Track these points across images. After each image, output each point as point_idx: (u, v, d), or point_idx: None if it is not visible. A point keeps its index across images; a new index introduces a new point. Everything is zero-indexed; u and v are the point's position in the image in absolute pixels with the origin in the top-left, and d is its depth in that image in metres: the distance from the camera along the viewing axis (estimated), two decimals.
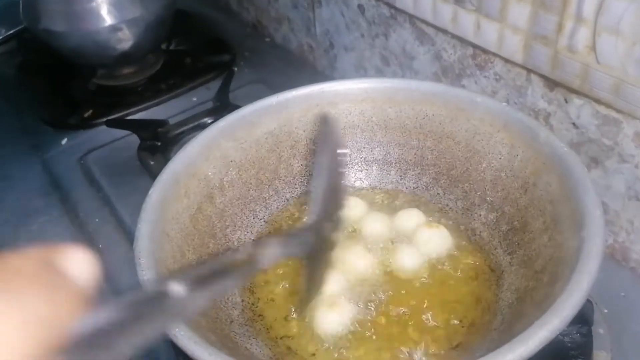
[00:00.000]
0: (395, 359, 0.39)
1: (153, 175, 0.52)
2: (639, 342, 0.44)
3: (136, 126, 0.72)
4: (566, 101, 0.49)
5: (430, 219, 0.49)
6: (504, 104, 0.47)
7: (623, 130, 0.45)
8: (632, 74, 0.42)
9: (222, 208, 0.47)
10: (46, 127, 0.78)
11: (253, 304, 0.44)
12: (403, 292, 0.44)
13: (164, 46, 0.90)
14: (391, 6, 0.64)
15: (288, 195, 0.52)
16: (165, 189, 0.43)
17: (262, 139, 0.50)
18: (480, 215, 0.48)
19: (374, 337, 0.41)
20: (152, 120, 0.73)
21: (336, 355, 0.40)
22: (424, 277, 0.44)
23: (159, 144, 0.69)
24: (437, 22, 0.58)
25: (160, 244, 0.39)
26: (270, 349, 0.41)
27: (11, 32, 0.92)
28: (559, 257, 0.37)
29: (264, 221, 0.51)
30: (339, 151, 0.35)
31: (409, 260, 0.45)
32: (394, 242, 0.47)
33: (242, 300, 0.44)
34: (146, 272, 0.36)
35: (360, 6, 0.70)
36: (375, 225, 0.49)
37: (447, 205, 0.50)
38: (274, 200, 0.52)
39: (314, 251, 0.31)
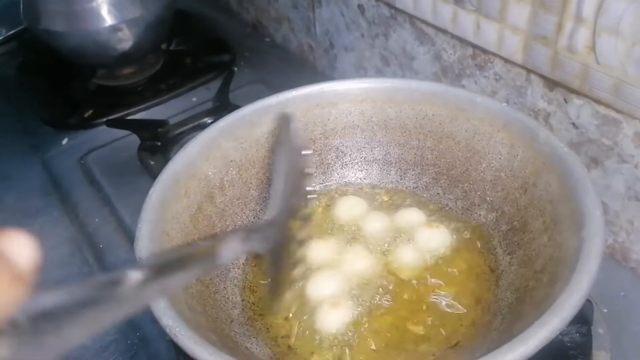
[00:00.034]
0: (396, 359, 0.40)
1: (153, 175, 0.52)
2: (638, 342, 0.44)
3: (136, 126, 0.72)
4: (566, 101, 0.49)
5: (431, 218, 0.49)
6: (504, 104, 0.47)
7: (623, 130, 0.45)
8: (631, 74, 0.42)
9: (223, 208, 0.47)
10: (46, 127, 0.78)
11: (253, 304, 0.44)
12: (403, 291, 0.44)
13: (164, 46, 0.90)
14: (391, 6, 0.64)
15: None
16: (166, 189, 0.43)
17: (262, 139, 0.50)
18: (480, 215, 0.48)
19: (374, 337, 0.41)
20: (152, 120, 0.73)
21: (336, 355, 0.40)
22: (424, 277, 0.44)
23: (159, 144, 0.69)
24: (437, 22, 0.58)
25: (161, 244, 0.39)
26: (270, 348, 0.41)
27: (11, 32, 0.92)
28: (559, 257, 0.37)
29: (264, 221, 0.51)
30: (302, 151, 0.35)
31: (408, 260, 0.45)
32: (394, 242, 0.47)
33: (243, 300, 0.44)
34: None
35: (360, 6, 0.70)
36: (375, 224, 0.49)
37: (447, 205, 0.50)
38: None
39: (277, 247, 0.31)
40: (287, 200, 0.32)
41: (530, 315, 0.34)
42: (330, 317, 0.42)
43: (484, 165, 0.47)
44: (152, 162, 0.66)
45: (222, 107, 0.72)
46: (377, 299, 0.43)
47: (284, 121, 0.36)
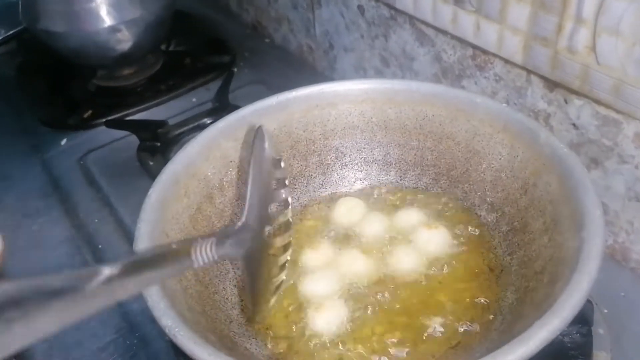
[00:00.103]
0: (396, 359, 0.40)
1: (152, 175, 0.51)
2: (639, 343, 0.44)
3: (136, 127, 0.72)
4: (566, 102, 0.49)
5: (431, 217, 0.49)
6: (504, 104, 0.47)
7: (623, 130, 0.45)
8: (632, 75, 0.42)
9: (222, 208, 0.47)
10: (46, 127, 0.78)
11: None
12: (402, 292, 0.44)
13: (163, 47, 0.90)
14: (391, 7, 0.64)
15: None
16: (165, 189, 0.42)
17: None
18: (480, 215, 0.48)
19: (374, 337, 0.41)
20: (152, 120, 0.73)
21: (336, 355, 0.40)
22: (424, 277, 0.44)
23: (158, 144, 0.69)
24: (437, 23, 0.58)
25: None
26: (270, 348, 0.41)
27: (11, 32, 0.92)
28: (559, 258, 0.36)
29: None
30: (276, 163, 0.35)
31: (408, 261, 0.45)
32: (393, 243, 0.47)
33: (242, 300, 0.44)
34: None
35: (360, 7, 0.70)
36: (374, 225, 0.49)
37: (447, 205, 0.50)
38: None
39: (252, 253, 0.31)
40: (259, 208, 0.32)
41: (530, 315, 0.34)
42: (329, 317, 0.41)
43: (484, 166, 0.47)
44: (151, 163, 0.66)
45: (222, 107, 0.72)
46: (377, 299, 0.43)
47: (256, 133, 0.36)
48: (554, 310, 0.30)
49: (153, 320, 0.33)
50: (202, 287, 0.41)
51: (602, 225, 0.35)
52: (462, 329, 0.41)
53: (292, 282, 0.45)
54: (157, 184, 0.42)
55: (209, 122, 0.68)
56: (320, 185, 0.54)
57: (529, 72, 0.51)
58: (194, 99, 0.80)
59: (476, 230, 0.47)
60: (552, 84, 0.49)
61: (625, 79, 0.42)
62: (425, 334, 0.41)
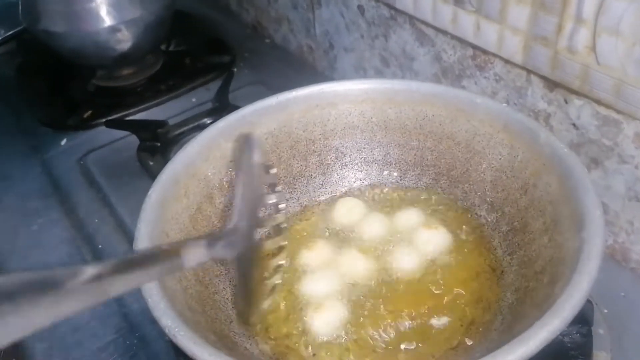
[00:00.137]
0: (395, 359, 0.40)
1: (152, 175, 0.51)
2: (639, 343, 0.44)
3: (136, 127, 0.72)
4: (566, 102, 0.49)
5: (431, 217, 0.49)
6: (504, 104, 0.47)
7: (623, 131, 0.45)
8: (632, 75, 0.42)
9: (222, 208, 0.47)
10: (45, 127, 0.78)
11: None
12: (402, 292, 0.44)
13: (163, 47, 0.90)
14: (391, 7, 0.64)
15: (287, 196, 0.52)
16: (165, 189, 0.42)
17: (262, 140, 0.50)
18: (480, 215, 0.48)
19: (374, 337, 0.41)
20: (152, 120, 0.73)
21: (336, 355, 0.40)
22: (423, 278, 0.44)
23: (158, 144, 0.69)
24: (437, 23, 0.58)
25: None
26: (270, 348, 0.41)
27: (10, 32, 0.92)
28: (559, 258, 0.36)
29: None
30: (266, 169, 0.36)
31: (408, 261, 0.45)
32: (394, 243, 0.47)
33: (235, 301, 0.44)
34: None
35: (360, 7, 0.70)
36: (374, 225, 0.49)
37: (447, 205, 0.50)
38: None
39: (243, 255, 0.31)
40: (249, 212, 0.33)
41: (530, 315, 0.34)
42: (330, 317, 0.42)
43: (484, 166, 0.47)
44: (151, 163, 0.66)
45: (222, 107, 0.72)
46: (376, 300, 0.43)
47: (246, 140, 0.37)
48: (554, 311, 0.30)
49: (153, 321, 0.33)
50: (202, 287, 0.41)
51: (602, 225, 0.35)
52: (462, 329, 0.41)
53: (291, 283, 0.45)
54: (157, 184, 0.42)
55: (209, 122, 0.68)
56: (320, 185, 0.54)
57: (529, 72, 0.51)
58: (194, 99, 0.80)
59: (476, 230, 0.47)
60: (552, 84, 0.49)
61: (626, 79, 0.42)
62: (425, 334, 0.41)
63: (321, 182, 0.54)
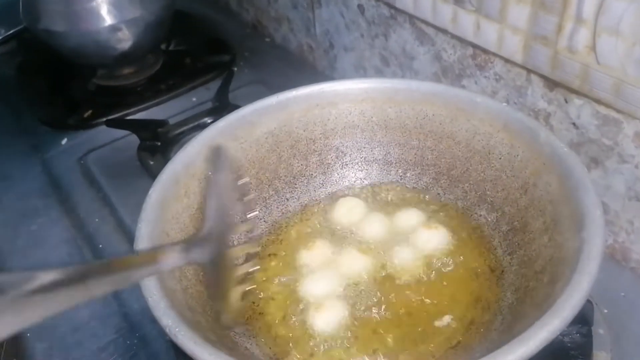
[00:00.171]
0: (396, 359, 0.39)
1: (153, 175, 0.51)
2: (639, 343, 0.44)
3: (136, 126, 0.72)
4: (566, 101, 0.49)
5: (431, 217, 0.49)
6: (504, 104, 0.47)
7: (623, 130, 0.45)
8: (632, 74, 0.42)
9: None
10: (46, 127, 0.78)
11: (253, 303, 0.44)
12: (402, 292, 0.44)
13: (163, 46, 0.90)
14: (391, 6, 0.64)
15: (288, 195, 0.52)
16: (165, 189, 0.42)
17: (262, 139, 0.50)
18: (480, 215, 0.48)
19: (374, 337, 0.41)
20: (152, 120, 0.73)
21: (336, 355, 0.40)
22: (423, 278, 0.44)
23: (158, 144, 0.69)
24: (437, 23, 0.58)
25: (161, 244, 0.39)
26: (270, 348, 0.41)
27: (11, 32, 0.92)
28: (559, 258, 0.36)
29: (264, 221, 0.51)
30: (237, 179, 0.37)
31: (408, 261, 0.45)
32: (393, 243, 0.47)
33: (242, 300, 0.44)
34: None
35: (360, 6, 0.70)
36: (374, 225, 0.49)
37: (447, 205, 0.50)
38: (274, 200, 0.52)
39: (216, 259, 0.33)
40: (221, 219, 0.34)
41: (530, 315, 0.34)
42: (330, 317, 0.42)
43: (484, 166, 0.47)
44: (151, 162, 0.66)
45: (222, 107, 0.72)
46: (377, 300, 0.43)
47: (216, 152, 0.38)
48: (554, 310, 0.30)
49: (153, 320, 0.33)
50: (203, 287, 0.41)
51: (602, 225, 0.35)
52: (462, 329, 0.41)
53: (292, 283, 0.45)
54: (158, 184, 0.42)
55: (209, 121, 0.68)
56: (321, 185, 0.54)
57: (529, 71, 0.51)
58: (194, 99, 0.80)
59: (476, 230, 0.47)
60: (552, 84, 0.49)
61: (625, 79, 0.42)
62: (425, 334, 0.41)
63: (321, 182, 0.54)
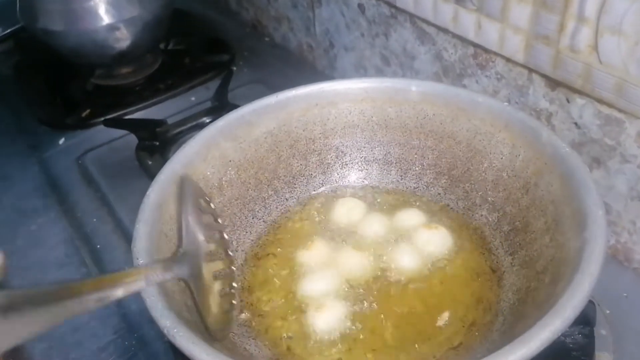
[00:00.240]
0: (395, 359, 0.39)
1: (151, 175, 0.51)
2: None
3: (134, 126, 0.72)
4: (568, 101, 0.49)
5: (431, 217, 0.48)
6: (506, 103, 0.47)
7: (625, 130, 0.45)
8: (634, 74, 0.41)
9: (221, 208, 0.47)
10: (43, 127, 0.78)
11: (252, 304, 0.44)
12: (402, 293, 0.43)
13: (162, 46, 0.90)
14: (392, 5, 0.64)
15: (287, 195, 0.52)
16: (164, 189, 0.42)
17: (261, 139, 0.50)
18: (481, 215, 0.48)
19: (374, 337, 0.41)
20: (150, 120, 0.73)
21: (335, 355, 0.40)
22: (424, 278, 0.44)
23: (157, 143, 0.68)
24: (438, 22, 0.58)
25: (158, 245, 0.39)
26: (269, 349, 0.41)
27: (8, 31, 0.92)
28: (561, 258, 0.36)
29: (263, 221, 0.51)
30: (206, 203, 0.42)
31: (408, 261, 0.45)
32: (393, 243, 0.47)
33: (241, 301, 0.44)
34: None
35: (360, 5, 0.70)
36: (374, 225, 0.49)
37: (448, 205, 0.50)
38: (273, 200, 0.51)
39: (195, 274, 0.36)
40: (195, 239, 0.38)
41: (532, 316, 0.33)
42: (329, 318, 0.41)
43: (485, 165, 0.47)
44: (150, 162, 0.66)
45: (221, 106, 0.71)
46: (377, 300, 0.43)
47: (184, 181, 0.42)
48: (556, 311, 0.30)
49: (152, 321, 0.33)
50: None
51: (604, 225, 0.34)
52: (463, 329, 0.40)
53: (291, 283, 0.45)
54: (156, 184, 0.42)
55: (208, 121, 0.68)
56: (321, 185, 0.53)
57: (531, 70, 0.51)
58: (193, 98, 0.80)
59: (477, 230, 0.47)
60: (554, 83, 0.49)
61: (628, 78, 0.42)
62: (426, 334, 0.40)
63: (321, 182, 0.53)
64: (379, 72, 0.72)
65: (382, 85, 0.51)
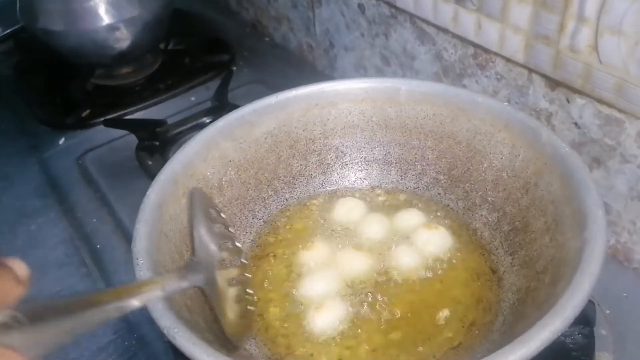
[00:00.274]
0: (396, 359, 0.39)
1: (151, 175, 0.51)
2: None
3: (134, 126, 0.72)
4: (568, 101, 0.49)
5: (431, 217, 0.48)
6: (505, 103, 0.47)
7: (625, 130, 0.45)
8: (634, 74, 0.41)
9: (221, 208, 0.47)
10: (43, 127, 0.78)
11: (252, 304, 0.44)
12: (402, 293, 0.43)
13: (162, 46, 0.90)
14: (392, 5, 0.64)
15: (287, 196, 0.52)
16: (164, 189, 0.42)
17: (261, 139, 0.50)
18: (481, 215, 0.47)
19: (374, 337, 0.41)
20: (150, 120, 0.73)
21: (335, 355, 0.40)
22: (424, 278, 0.44)
23: (157, 144, 0.68)
24: (438, 22, 0.58)
25: (158, 245, 0.39)
26: (269, 349, 0.41)
27: (8, 31, 0.92)
28: (561, 258, 0.36)
29: (263, 221, 0.51)
30: (218, 214, 0.43)
31: (408, 261, 0.45)
32: (393, 243, 0.47)
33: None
34: (144, 273, 0.35)
35: (360, 5, 0.70)
36: (374, 225, 0.48)
37: (448, 205, 0.50)
38: (273, 201, 0.51)
39: (211, 282, 0.37)
40: (207, 248, 0.39)
41: (532, 316, 0.33)
42: (329, 318, 0.41)
43: (485, 165, 0.47)
44: (150, 162, 0.66)
45: (221, 106, 0.71)
46: (377, 300, 0.43)
47: (194, 193, 0.43)
48: (556, 311, 0.30)
49: (152, 321, 0.33)
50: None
51: (604, 225, 0.34)
52: (463, 329, 0.40)
53: (291, 283, 0.45)
54: (156, 184, 0.42)
55: (208, 121, 0.68)
56: (320, 185, 0.53)
57: (531, 71, 0.51)
58: (193, 98, 0.80)
59: (477, 230, 0.47)
60: (554, 83, 0.49)
61: (628, 78, 0.42)
62: (426, 335, 0.40)
63: (321, 182, 0.53)
64: (379, 72, 0.72)
65: (382, 85, 0.51)
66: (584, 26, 0.43)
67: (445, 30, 0.58)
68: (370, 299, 0.43)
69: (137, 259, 0.36)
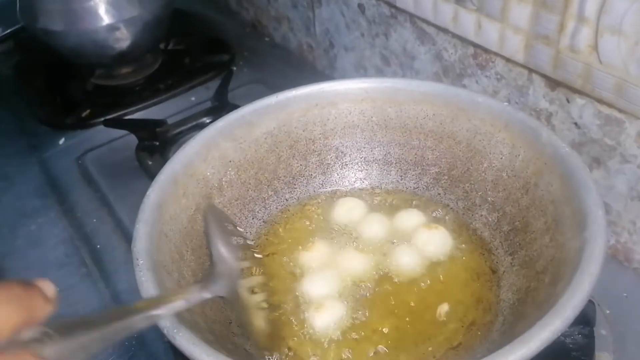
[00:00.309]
0: (396, 359, 0.39)
1: (151, 175, 0.51)
2: None
3: (134, 126, 0.72)
4: (568, 101, 0.49)
5: (431, 217, 0.48)
6: (505, 103, 0.47)
7: (625, 130, 0.45)
8: (634, 74, 0.41)
9: (221, 208, 0.47)
10: (43, 127, 0.77)
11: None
12: (402, 293, 0.43)
13: (162, 46, 0.90)
14: (392, 5, 0.64)
15: (287, 196, 0.52)
16: (164, 189, 0.42)
17: (261, 139, 0.50)
18: (481, 215, 0.47)
19: (374, 337, 0.41)
20: (150, 120, 0.73)
21: (336, 355, 0.40)
22: (424, 278, 0.44)
23: (157, 144, 0.68)
24: (438, 22, 0.58)
25: (159, 245, 0.39)
26: (269, 349, 0.41)
27: (8, 31, 0.92)
28: (561, 258, 0.36)
29: (263, 221, 0.51)
30: (233, 227, 0.45)
31: (408, 261, 0.45)
32: (393, 243, 0.47)
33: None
34: (144, 273, 0.35)
35: (360, 5, 0.70)
36: (374, 226, 0.48)
37: (448, 205, 0.50)
38: (273, 201, 0.51)
39: (233, 292, 0.39)
40: (227, 260, 0.41)
41: (531, 316, 0.33)
42: (329, 318, 0.41)
43: (485, 165, 0.47)
44: (150, 162, 0.66)
45: (221, 107, 0.71)
46: (377, 300, 0.43)
47: (209, 208, 0.45)
48: (556, 311, 0.30)
49: None
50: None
51: (604, 225, 0.34)
52: (463, 329, 0.40)
53: (291, 283, 0.45)
54: (156, 184, 0.42)
55: (208, 121, 0.68)
56: (320, 185, 0.53)
57: (531, 71, 0.51)
58: (193, 98, 0.79)
59: (477, 230, 0.47)
60: (554, 83, 0.49)
61: (628, 78, 0.42)
62: (426, 335, 0.40)
63: (321, 182, 0.53)
64: (379, 72, 0.72)
65: (382, 85, 0.51)
66: (584, 26, 0.43)
67: (445, 30, 0.58)
68: (370, 298, 0.43)
69: (137, 259, 0.36)
